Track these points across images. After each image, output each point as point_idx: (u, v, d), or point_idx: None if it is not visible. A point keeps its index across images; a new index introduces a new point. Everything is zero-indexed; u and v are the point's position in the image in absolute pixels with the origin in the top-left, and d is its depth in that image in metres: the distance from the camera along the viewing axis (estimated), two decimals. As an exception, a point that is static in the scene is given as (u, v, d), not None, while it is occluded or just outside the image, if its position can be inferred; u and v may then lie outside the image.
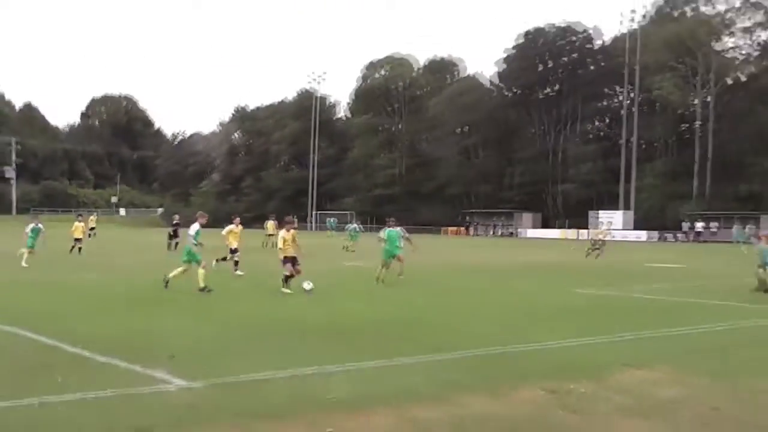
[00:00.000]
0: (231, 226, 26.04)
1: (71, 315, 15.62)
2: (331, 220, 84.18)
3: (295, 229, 20.83)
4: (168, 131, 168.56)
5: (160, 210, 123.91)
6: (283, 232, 20.48)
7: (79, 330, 13.23)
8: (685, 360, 10.83)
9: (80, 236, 35.75)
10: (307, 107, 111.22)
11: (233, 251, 25.54)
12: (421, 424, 7.36)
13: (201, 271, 19.38)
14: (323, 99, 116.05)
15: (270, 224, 44.89)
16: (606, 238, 41.83)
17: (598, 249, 38.17)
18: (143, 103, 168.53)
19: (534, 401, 8.28)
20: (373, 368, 10.19)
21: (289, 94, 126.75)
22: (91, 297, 19.40)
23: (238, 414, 7.69)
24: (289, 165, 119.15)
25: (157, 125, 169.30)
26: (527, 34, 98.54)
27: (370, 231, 65.59)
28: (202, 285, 19.01)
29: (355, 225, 48.48)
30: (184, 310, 16.64)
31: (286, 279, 19.87)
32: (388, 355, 10.93)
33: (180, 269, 20.00)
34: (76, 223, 36.34)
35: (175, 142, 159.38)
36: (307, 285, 19.64)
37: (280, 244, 20.36)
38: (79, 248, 35.20)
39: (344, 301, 18.75)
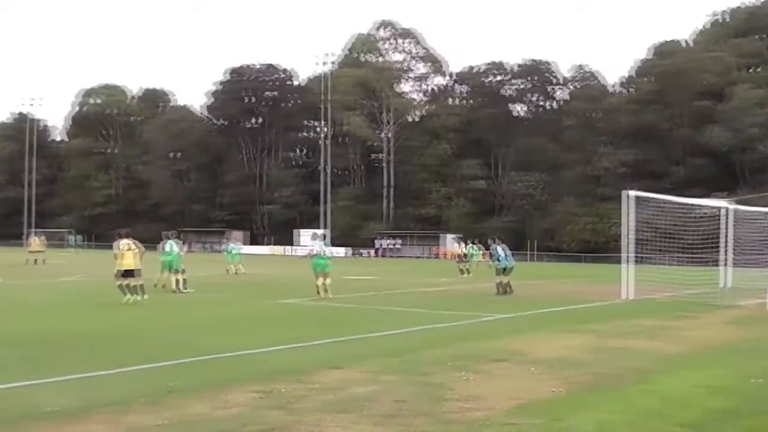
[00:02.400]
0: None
1: None
2: (73, 238, 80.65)
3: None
4: None
5: None
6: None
7: None
8: (376, 360, 11.11)
9: None
10: (22, 129, 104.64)
11: None
12: (139, 430, 7.02)
13: None
14: (39, 122, 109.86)
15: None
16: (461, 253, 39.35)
17: (465, 262, 37.37)
18: None
19: (245, 403, 8.15)
20: (88, 379, 9.60)
21: (3, 116, 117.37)
22: None
23: (-50, 431, 6.95)
24: (2, 185, 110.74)
25: None
26: (233, 71, 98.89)
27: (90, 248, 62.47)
28: None
29: (233, 245, 38.76)
30: None
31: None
32: (103, 365, 10.36)
33: None
34: None
35: None
36: None
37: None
38: None
39: (67, 314, 17.63)
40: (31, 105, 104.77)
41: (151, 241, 28.32)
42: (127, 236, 20.49)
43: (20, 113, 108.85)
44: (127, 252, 19.73)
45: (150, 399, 8.25)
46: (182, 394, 8.51)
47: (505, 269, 24.39)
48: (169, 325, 16.04)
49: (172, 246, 24.51)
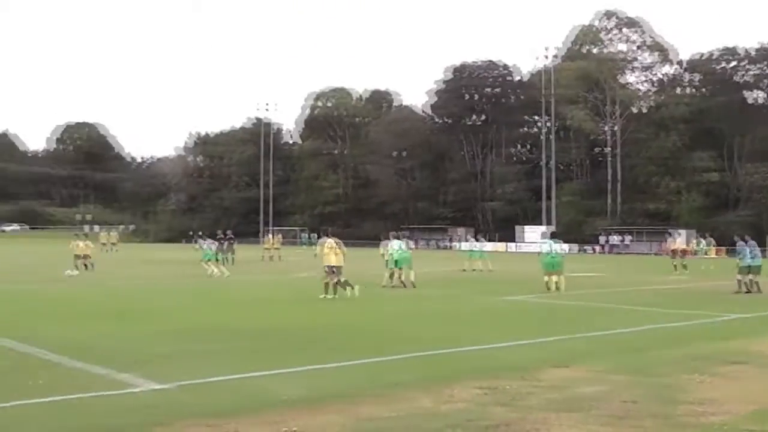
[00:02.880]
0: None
1: (42, 322, 15.22)
2: (306, 236, 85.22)
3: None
4: (132, 155, 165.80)
5: (131, 227, 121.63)
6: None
7: (51, 336, 12.89)
8: (603, 359, 10.80)
9: (83, 253, 32.89)
10: (259, 133, 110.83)
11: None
12: (369, 421, 7.23)
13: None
14: (274, 125, 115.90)
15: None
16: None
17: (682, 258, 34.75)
18: (110, 130, 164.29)
19: (470, 398, 8.19)
20: (322, 370, 10.05)
21: (241, 121, 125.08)
22: (63, 305, 18.98)
23: (199, 413, 7.48)
24: (243, 186, 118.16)
25: (121, 150, 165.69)
26: (455, 69, 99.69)
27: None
28: None
29: (475, 242, 38.80)
30: (151, 317, 16.33)
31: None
32: (336, 358, 10.80)
33: None
34: (78, 242, 33.55)
35: (139, 165, 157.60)
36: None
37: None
38: (85, 264, 32.50)
39: (296, 309, 18.53)
40: (267, 110, 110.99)
41: (376, 239, 29.07)
42: (332, 235, 21.58)
43: (257, 118, 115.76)
44: (331, 250, 20.67)
45: (378, 391, 8.50)
46: (408, 388, 8.70)
47: (750, 267, 22.98)
48: (395, 319, 16.41)
49: (400, 245, 25.31)
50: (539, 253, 23.82)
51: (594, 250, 78.07)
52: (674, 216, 79.71)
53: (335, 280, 20.36)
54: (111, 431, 6.85)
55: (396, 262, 24.87)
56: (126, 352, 11.31)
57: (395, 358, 11.00)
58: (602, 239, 79.82)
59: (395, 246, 25.23)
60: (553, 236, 24.33)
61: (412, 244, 27.10)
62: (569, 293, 22.18)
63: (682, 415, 7.45)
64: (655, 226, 78.43)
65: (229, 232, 42.19)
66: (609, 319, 16.52)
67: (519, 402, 7.97)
